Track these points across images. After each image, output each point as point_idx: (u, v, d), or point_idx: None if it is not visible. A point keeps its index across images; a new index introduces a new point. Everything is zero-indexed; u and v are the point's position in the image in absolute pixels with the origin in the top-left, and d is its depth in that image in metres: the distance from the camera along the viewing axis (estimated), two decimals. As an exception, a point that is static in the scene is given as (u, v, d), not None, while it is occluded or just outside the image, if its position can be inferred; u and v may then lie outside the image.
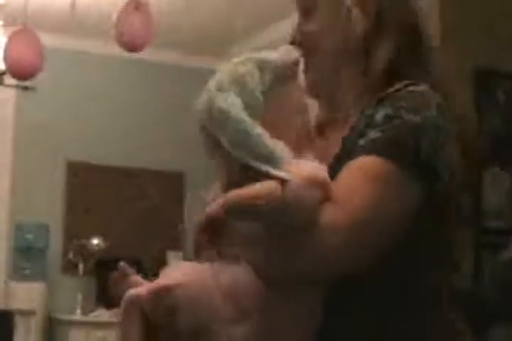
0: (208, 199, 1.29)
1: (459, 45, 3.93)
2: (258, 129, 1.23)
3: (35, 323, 6.07)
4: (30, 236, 6.27)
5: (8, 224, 6.30)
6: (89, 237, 6.23)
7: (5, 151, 6.38)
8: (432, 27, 4.07)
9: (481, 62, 4.01)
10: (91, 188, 6.50)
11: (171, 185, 6.60)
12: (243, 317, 1.22)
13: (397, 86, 1.31)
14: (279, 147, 1.23)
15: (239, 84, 1.27)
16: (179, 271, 1.27)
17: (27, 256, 6.25)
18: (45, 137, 6.46)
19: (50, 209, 6.38)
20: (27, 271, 6.23)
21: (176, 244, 6.27)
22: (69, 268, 6.34)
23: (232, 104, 1.24)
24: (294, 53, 1.34)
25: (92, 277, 6.30)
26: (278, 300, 1.23)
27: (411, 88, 1.30)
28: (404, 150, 1.23)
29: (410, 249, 1.25)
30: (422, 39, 1.38)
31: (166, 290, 1.22)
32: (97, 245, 6.17)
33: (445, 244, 1.29)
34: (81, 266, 6.20)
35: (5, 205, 6.33)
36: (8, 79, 5.92)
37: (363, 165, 1.22)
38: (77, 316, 6.05)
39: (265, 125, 1.24)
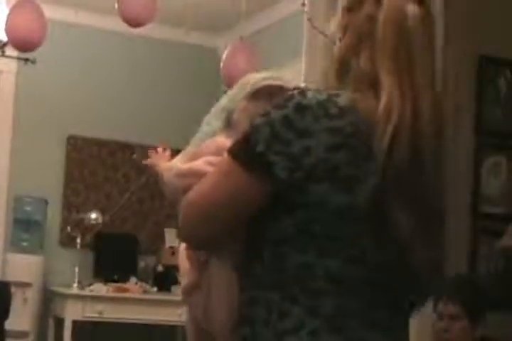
0: None
1: (464, 33, 3.91)
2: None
3: (32, 295, 6.10)
4: (28, 208, 6.28)
5: (7, 197, 6.30)
6: (87, 211, 6.23)
7: (4, 124, 6.37)
8: (437, 16, 4.05)
9: (485, 51, 4.00)
10: (90, 163, 6.50)
11: (170, 161, 6.58)
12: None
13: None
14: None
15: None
16: None
17: (25, 229, 6.26)
18: (45, 110, 6.43)
19: (49, 183, 6.38)
20: (25, 244, 6.25)
21: (173, 221, 6.28)
22: (67, 241, 6.36)
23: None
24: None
25: (90, 251, 6.32)
26: (209, 277, 1.61)
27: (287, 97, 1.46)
28: (241, 147, 1.44)
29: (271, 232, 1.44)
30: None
31: None
32: (95, 219, 6.17)
33: (294, 230, 1.41)
34: (79, 240, 6.21)
35: (4, 178, 6.33)
36: (9, 51, 5.89)
37: (220, 162, 1.51)
38: (74, 289, 6.07)
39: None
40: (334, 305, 1.37)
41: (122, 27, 5.04)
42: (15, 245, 6.23)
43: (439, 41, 4.16)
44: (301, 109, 1.41)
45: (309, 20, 3.79)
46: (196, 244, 1.59)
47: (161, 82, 6.66)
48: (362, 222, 1.38)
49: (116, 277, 6.20)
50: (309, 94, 1.43)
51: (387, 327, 1.42)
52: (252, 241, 1.49)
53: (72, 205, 6.38)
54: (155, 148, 1.89)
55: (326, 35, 3.52)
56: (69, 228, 6.26)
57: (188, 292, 1.66)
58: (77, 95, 6.54)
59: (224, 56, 5.03)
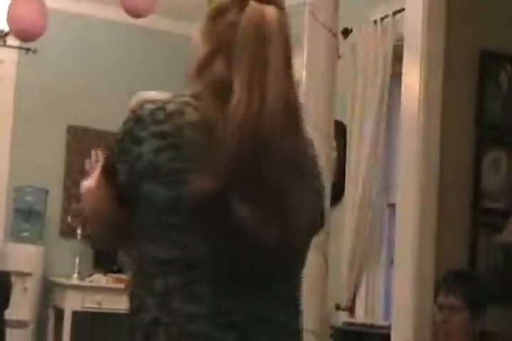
0: None
1: (464, 28, 3.91)
2: None
3: (32, 285, 6.11)
4: (29, 198, 6.28)
5: (7, 187, 6.31)
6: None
7: (5, 114, 6.37)
8: (438, 10, 4.05)
9: (486, 46, 4.00)
10: (90, 153, 6.48)
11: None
12: None
13: None
14: None
15: None
16: None
17: (26, 219, 6.27)
18: (46, 100, 6.43)
19: (49, 173, 6.38)
20: (25, 233, 6.25)
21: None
22: (67, 231, 6.37)
23: None
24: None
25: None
26: None
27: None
28: (104, 162, 1.70)
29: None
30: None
31: None
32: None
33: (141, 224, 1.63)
34: (79, 230, 6.22)
35: (5, 168, 6.34)
36: (11, 41, 5.89)
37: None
38: (74, 280, 6.09)
39: None
40: (163, 285, 1.57)
41: (123, 17, 5.04)
42: (15, 235, 6.24)
43: (441, 38, 4.16)
44: (137, 120, 1.62)
45: (311, 13, 3.78)
46: (98, 246, 1.93)
47: (162, 72, 6.65)
48: (188, 212, 1.55)
49: (115, 268, 6.21)
50: (145, 106, 1.63)
51: (212, 303, 1.56)
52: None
53: (72, 196, 6.38)
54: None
55: (328, 29, 3.52)
56: (69, 218, 6.27)
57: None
58: (78, 85, 6.53)
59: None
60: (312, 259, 4.72)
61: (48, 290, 6.28)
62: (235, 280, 1.56)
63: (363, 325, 4.60)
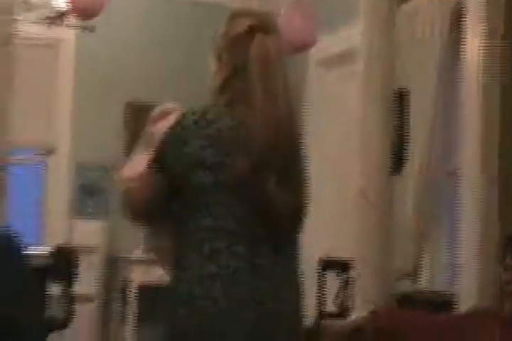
0: None
1: None
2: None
3: (97, 260, 6.21)
4: (92, 175, 6.37)
5: (72, 164, 6.40)
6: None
7: (65, 92, 6.45)
8: None
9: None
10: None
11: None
12: None
13: None
14: None
15: None
16: None
17: (90, 195, 6.37)
18: (104, 78, 6.49)
19: (111, 150, 6.45)
20: (90, 210, 6.35)
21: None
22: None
23: None
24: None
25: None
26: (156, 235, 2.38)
27: None
28: (152, 155, 2.21)
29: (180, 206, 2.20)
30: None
31: None
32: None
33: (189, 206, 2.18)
34: (141, 205, 6.27)
35: (68, 145, 6.43)
36: (68, 20, 5.94)
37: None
38: (138, 255, 6.15)
39: None
40: (211, 247, 2.12)
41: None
42: (80, 211, 6.34)
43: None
44: (183, 128, 2.18)
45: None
46: (136, 219, 2.31)
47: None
48: (229, 191, 2.13)
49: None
50: (187, 116, 2.20)
51: (249, 259, 2.14)
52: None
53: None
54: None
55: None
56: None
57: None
58: (135, 62, 6.58)
59: (281, 17, 4.97)
60: (375, 228, 4.73)
61: (113, 265, 6.38)
62: (263, 241, 2.14)
63: (427, 292, 4.58)
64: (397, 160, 4.86)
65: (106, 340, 6.34)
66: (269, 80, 2.19)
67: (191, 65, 6.62)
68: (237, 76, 2.22)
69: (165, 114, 2.40)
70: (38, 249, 5.31)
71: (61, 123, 6.43)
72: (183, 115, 2.22)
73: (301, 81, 6.19)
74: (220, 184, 2.14)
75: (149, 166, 2.22)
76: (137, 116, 6.50)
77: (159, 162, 2.20)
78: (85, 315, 5.95)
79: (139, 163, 2.33)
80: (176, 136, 2.19)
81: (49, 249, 5.28)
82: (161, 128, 2.34)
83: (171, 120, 2.30)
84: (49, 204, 6.45)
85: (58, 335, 5.49)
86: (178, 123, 2.21)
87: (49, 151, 6.45)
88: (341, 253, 5.02)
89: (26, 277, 2.68)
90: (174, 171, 2.18)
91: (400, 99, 4.90)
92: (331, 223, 5.74)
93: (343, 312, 4.72)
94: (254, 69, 2.20)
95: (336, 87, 6.15)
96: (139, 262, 6.05)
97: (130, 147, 6.35)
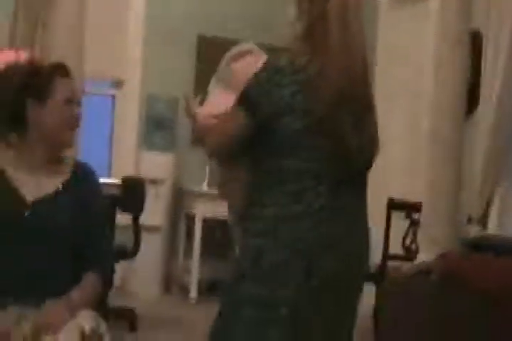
0: None
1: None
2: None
3: (164, 192, 6.30)
4: (161, 107, 6.40)
5: (140, 96, 6.43)
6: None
7: (136, 25, 6.44)
8: None
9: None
10: (220, 62, 6.51)
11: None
12: None
13: None
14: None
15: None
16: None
17: (158, 127, 6.41)
18: (175, 11, 6.46)
19: (180, 82, 6.45)
20: (157, 142, 6.40)
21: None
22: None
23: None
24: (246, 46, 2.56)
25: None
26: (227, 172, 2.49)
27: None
28: (241, 97, 2.28)
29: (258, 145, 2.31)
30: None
31: None
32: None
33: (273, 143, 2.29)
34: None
35: (137, 77, 6.45)
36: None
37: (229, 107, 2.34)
38: (204, 187, 6.22)
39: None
40: (299, 187, 2.26)
41: None
42: (148, 143, 6.40)
43: None
44: (277, 70, 2.25)
45: None
46: (215, 155, 2.51)
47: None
48: (314, 135, 2.25)
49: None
50: (282, 59, 2.26)
51: (330, 198, 2.30)
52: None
53: (202, 104, 6.44)
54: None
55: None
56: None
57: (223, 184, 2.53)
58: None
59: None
60: (445, 171, 4.69)
61: (179, 197, 6.46)
62: (341, 183, 2.28)
63: (496, 237, 4.56)
64: (470, 102, 4.79)
65: (172, 271, 6.47)
66: (347, 29, 2.28)
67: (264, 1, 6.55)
68: (317, 24, 2.28)
69: (244, 54, 2.49)
70: (108, 180, 5.39)
71: (132, 56, 6.44)
72: (276, 58, 2.28)
73: (373, 21, 6.09)
74: (305, 128, 2.24)
75: (236, 104, 2.28)
76: (208, 48, 6.48)
77: (248, 101, 2.26)
78: (152, 245, 6.06)
79: (221, 100, 2.40)
80: (270, 78, 2.24)
81: (118, 180, 5.35)
82: (244, 68, 2.43)
83: (256, 61, 2.37)
84: (118, 137, 6.52)
85: (127, 264, 5.62)
86: (271, 65, 2.27)
87: (119, 83, 6.49)
88: (410, 195, 5.00)
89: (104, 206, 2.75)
90: (264, 112, 2.24)
91: (474, 41, 4.80)
92: (401, 164, 5.71)
93: (409, 254, 4.73)
94: (333, 17, 2.27)
95: (408, 26, 6.03)
96: (205, 195, 6.12)
97: (200, 79, 6.42)
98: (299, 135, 2.24)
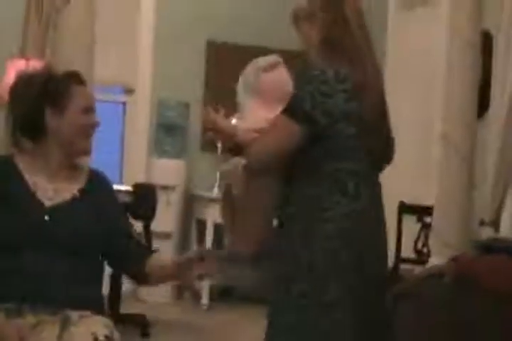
0: None
1: None
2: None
3: (175, 198, 6.29)
4: (171, 114, 6.41)
5: (150, 102, 6.44)
6: (227, 116, 6.28)
7: (146, 30, 6.45)
8: None
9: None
10: (230, 68, 6.50)
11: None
12: None
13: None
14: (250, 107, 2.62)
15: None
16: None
17: (168, 134, 6.41)
18: (184, 16, 6.47)
19: (190, 88, 6.47)
20: (168, 148, 6.40)
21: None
22: (208, 146, 6.46)
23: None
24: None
25: (230, 156, 6.39)
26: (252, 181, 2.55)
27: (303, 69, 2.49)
28: (293, 109, 2.41)
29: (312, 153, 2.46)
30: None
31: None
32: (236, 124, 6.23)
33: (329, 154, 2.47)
34: (219, 145, 6.30)
35: (147, 83, 6.46)
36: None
37: (274, 121, 2.48)
38: (215, 193, 6.21)
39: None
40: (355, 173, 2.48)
41: None
42: (158, 150, 6.40)
43: None
44: (323, 82, 2.39)
45: None
46: (259, 167, 2.54)
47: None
48: (363, 139, 2.45)
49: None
50: (327, 71, 2.40)
51: (371, 184, 2.55)
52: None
53: (213, 107, 6.43)
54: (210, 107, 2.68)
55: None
56: (210, 133, 6.34)
57: None
58: (216, 1, 6.53)
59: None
60: (456, 174, 4.67)
61: (191, 202, 6.45)
62: (376, 182, 2.52)
63: (509, 239, 4.53)
64: (481, 104, 4.77)
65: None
66: (366, 32, 2.48)
67: (273, 4, 6.54)
68: (335, 30, 2.46)
69: (274, 65, 2.58)
70: (119, 187, 5.39)
71: (142, 61, 6.45)
72: (318, 70, 2.42)
73: (383, 24, 6.09)
74: (357, 133, 2.43)
75: (287, 117, 2.41)
76: (218, 53, 6.49)
77: (303, 114, 2.39)
78: (163, 252, 6.04)
79: (259, 112, 2.51)
80: (319, 89, 2.38)
81: (129, 187, 5.35)
82: (277, 79, 2.57)
83: (285, 72, 2.59)
84: (129, 143, 6.53)
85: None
86: (316, 77, 2.40)
87: (130, 90, 6.50)
88: (422, 198, 4.99)
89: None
90: (320, 123, 2.39)
91: (484, 41, 4.78)
92: (413, 168, 5.69)
93: (421, 257, 4.71)
94: (353, 23, 2.46)
95: (418, 29, 6.03)
96: (216, 200, 6.10)
97: (210, 85, 6.42)
98: (352, 138, 2.43)
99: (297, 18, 2.56)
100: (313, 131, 2.40)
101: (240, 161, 2.64)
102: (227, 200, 2.63)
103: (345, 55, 2.45)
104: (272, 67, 2.58)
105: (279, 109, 2.47)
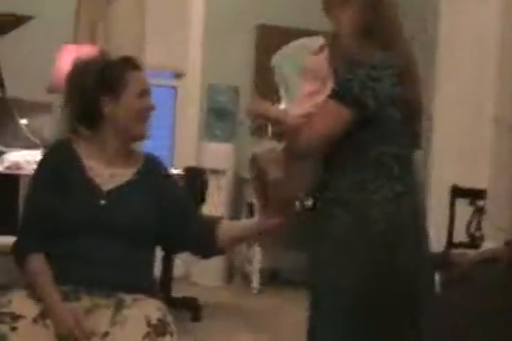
0: None
1: None
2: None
3: (225, 182, 6.31)
4: (221, 98, 6.41)
5: (201, 87, 6.45)
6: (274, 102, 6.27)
7: (197, 14, 6.46)
8: None
9: None
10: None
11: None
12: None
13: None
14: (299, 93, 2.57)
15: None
16: None
17: (218, 118, 6.42)
18: (235, 1, 6.46)
19: (240, 72, 6.47)
20: (218, 132, 6.42)
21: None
22: (257, 130, 6.47)
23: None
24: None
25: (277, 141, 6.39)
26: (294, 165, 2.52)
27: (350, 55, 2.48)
28: (343, 93, 2.42)
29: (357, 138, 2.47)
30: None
31: None
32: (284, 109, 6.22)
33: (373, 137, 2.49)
34: (269, 129, 6.29)
35: (198, 67, 6.48)
36: None
37: (323, 105, 2.47)
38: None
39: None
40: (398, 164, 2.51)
41: None
42: (209, 134, 6.42)
43: None
44: (372, 66, 2.40)
45: None
46: (307, 152, 2.52)
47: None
48: (408, 123, 2.51)
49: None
50: (375, 56, 2.42)
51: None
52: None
53: (261, 94, 6.43)
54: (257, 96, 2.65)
55: None
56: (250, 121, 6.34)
57: None
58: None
59: None
60: (510, 157, 4.59)
61: (240, 186, 6.47)
62: (414, 153, 2.56)
63: None
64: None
65: (234, 261, 6.48)
66: (398, 17, 2.54)
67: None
68: (372, 16, 2.50)
69: (323, 48, 2.56)
70: (170, 171, 5.41)
71: (192, 46, 6.46)
72: (365, 55, 2.44)
73: (436, 6, 6.02)
74: (403, 118, 2.47)
75: (336, 102, 2.42)
76: (268, 37, 6.47)
77: (353, 98, 2.40)
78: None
79: (311, 98, 2.49)
80: (369, 74, 2.40)
81: (180, 170, 5.38)
82: (324, 63, 2.54)
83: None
84: (179, 128, 6.56)
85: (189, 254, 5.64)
86: (365, 62, 2.43)
87: (180, 74, 6.52)
88: (474, 182, 4.94)
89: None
90: (370, 107, 2.41)
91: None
92: (465, 151, 5.63)
93: (474, 242, 4.67)
94: (387, 7, 2.51)
95: (471, 10, 5.94)
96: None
97: (260, 69, 6.41)
98: (398, 123, 2.46)
99: (329, 3, 2.60)
100: (362, 114, 2.41)
101: (273, 146, 2.65)
102: (260, 184, 2.58)
103: (380, 40, 2.47)
104: (321, 49, 2.58)
105: (327, 91, 2.48)
